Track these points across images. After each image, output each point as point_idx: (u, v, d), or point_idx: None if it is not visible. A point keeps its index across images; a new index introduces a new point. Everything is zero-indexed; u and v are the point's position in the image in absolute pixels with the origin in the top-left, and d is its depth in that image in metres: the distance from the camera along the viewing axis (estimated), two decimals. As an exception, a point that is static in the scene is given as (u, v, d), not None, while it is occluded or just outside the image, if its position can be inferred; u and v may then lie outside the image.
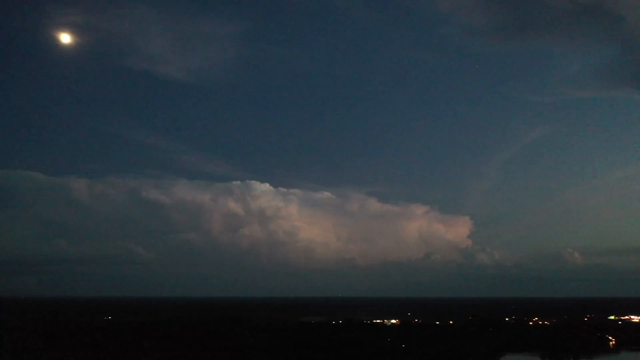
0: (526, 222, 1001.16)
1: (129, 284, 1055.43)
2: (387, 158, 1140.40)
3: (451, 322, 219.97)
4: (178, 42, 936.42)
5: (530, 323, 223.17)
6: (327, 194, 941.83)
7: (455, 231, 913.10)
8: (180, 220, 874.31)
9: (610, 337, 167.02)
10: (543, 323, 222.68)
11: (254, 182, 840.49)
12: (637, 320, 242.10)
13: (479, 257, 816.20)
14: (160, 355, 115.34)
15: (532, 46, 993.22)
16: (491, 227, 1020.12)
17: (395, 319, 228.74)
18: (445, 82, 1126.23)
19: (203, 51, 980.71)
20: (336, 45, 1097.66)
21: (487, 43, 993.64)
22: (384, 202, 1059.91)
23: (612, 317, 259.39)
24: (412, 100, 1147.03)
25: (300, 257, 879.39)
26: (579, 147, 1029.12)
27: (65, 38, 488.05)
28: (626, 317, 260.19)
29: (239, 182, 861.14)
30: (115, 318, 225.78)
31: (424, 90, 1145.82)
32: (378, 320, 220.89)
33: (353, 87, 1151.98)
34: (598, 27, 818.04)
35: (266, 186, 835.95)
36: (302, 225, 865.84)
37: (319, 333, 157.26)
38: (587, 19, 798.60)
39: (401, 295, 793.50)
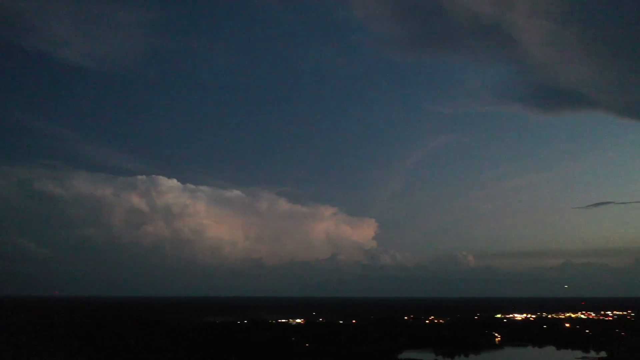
0: (427, 225, 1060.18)
1: (19, 282, 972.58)
2: (298, 159, 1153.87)
3: (354, 321, 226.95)
4: (83, 26, 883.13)
5: (427, 321, 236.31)
6: (237, 193, 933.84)
7: (361, 233, 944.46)
8: (79, 215, 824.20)
9: (496, 334, 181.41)
10: (438, 321, 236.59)
11: (160, 177, 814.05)
12: (520, 318, 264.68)
13: (382, 259, 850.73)
14: (58, 356, 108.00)
15: (438, 60, 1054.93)
16: (395, 230, 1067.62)
17: (300, 319, 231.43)
18: (357, 88, 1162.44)
19: (111, 38, 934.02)
20: (252, 43, 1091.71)
21: (398, 53, 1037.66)
22: (293, 202, 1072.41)
23: (499, 316, 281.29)
24: (325, 103, 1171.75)
25: (207, 256, 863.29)
26: (476, 157, 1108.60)
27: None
28: (511, 315, 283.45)
29: (144, 176, 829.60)
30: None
31: (337, 95, 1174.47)
32: (283, 320, 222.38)
33: (268, 87, 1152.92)
34: (496, 47, 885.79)
35: (173, 182, 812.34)
36: (210, 223, 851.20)
37: (223, 333, 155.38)
38: (486, 39, 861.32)
39: (308, 295, 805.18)
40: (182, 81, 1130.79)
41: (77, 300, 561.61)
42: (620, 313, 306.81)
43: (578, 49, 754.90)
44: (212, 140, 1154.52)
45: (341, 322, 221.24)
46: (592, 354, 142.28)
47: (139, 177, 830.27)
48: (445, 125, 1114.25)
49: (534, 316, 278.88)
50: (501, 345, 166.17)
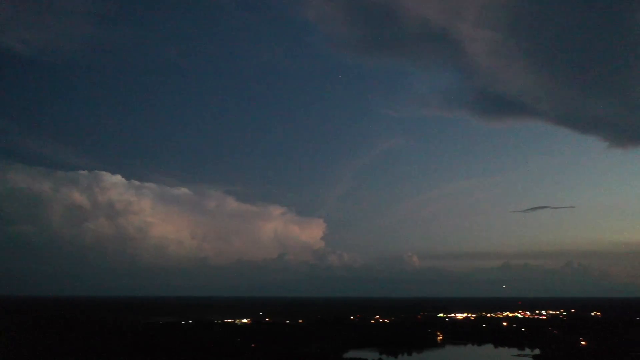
0: (374, 226, 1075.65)
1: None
2: (247, 158, 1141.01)
3: (301, 321, 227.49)
4: (22, 12, 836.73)
5: (372, 321, 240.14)
6: (184, 190, 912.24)
7: (310, 233, 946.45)
8: (13, 210, 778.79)
9: (438, 333, 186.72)
10: (383, 321, 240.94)
11: (104, 172, 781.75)
12: (461, 318, 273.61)
13: (330, 259, 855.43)
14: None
15: (389, 63, 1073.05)
16: (343, 230, 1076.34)
17: (247, 319, 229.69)
18: (308, 88, 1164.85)
19: (53, 26, 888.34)
20: (202, 39, 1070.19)
21: (350, 55, 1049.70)
22: (242, 201, 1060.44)
23: (441, 315, 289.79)
24: (276, 102, 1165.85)
25: (152, 255, 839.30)
26: (423, 160, 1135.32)
27: None
28: (452, 314, 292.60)
29: (86, 171, 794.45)
30: None
31: (288, 94, 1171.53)
32: (229, 320, 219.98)
33: (218, 83, 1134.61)
34: (445, 54, 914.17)
35: (118, 178, 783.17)
36: (156, 221, 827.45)
37: (167, 334, 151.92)
38: (435, 46, 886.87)
39: (255, 295, 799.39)
40: (128, 73, 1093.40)
41: (11, 299, 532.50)
42: (553, 312, 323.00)
43: (520, 60, 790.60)
44: (160, 136, 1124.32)
45: (288, 322, 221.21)
46: (527, 351, 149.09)
47: (81, 172, 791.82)
48: (394, 128, 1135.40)
49: (474, 315, 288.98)
50: (443, 343, 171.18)
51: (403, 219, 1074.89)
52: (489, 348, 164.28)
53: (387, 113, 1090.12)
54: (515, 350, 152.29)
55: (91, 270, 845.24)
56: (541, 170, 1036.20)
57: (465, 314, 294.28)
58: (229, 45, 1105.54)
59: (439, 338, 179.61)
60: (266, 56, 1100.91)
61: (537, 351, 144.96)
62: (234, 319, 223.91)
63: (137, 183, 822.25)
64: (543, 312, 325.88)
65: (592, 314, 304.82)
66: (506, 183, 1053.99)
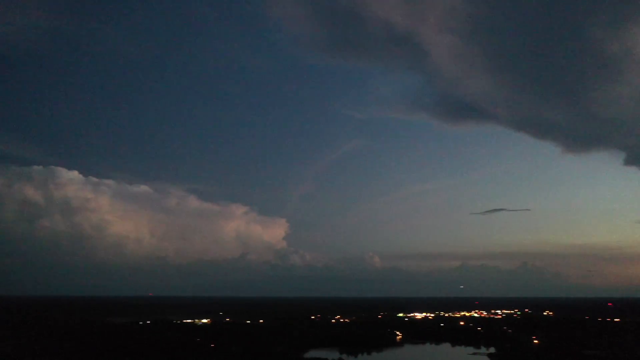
0: (336, 226, 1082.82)
1: None
2: (210, 156, 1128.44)
3: (261, 320, 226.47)
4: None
5: (333, 321, 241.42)
6: (144, 188, 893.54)
7: (272, 232, 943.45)
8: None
9: (397, 332, 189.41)
10: (344, 320, 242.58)
11: (59, 168, 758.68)
12: (420, 317, 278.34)
13: (292, 258, 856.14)
14: None
15: (353, 65, 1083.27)
16: (305, 230, 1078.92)
17: (207, 319, 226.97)
18: (272, 87, 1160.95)
19: (5, 16, 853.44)
20: (162, 33, 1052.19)
21: (315, 56, 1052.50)
22: (204, 200, 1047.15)
23: (401, 315, 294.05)
24: (239, 100, 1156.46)
25: (109, 254, 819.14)
26: (385, 162, 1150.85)
27: None
28: (412, 314, 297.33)
29: (40, 167, 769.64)
30: None
31: (252, 92, 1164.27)
32: (189, 320, 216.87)
33: (182, 79, 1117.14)
34: (408, 57, 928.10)
35: (74, 174, 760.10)
36: (114, 219, 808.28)
37: (123, 335, 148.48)
38: (400, 49, 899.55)
39: (216, 295, 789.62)
40: (85, 66, 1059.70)
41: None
42: (508, 312, 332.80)
43: (481, 66, 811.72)
44: (119, 131, 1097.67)
45: (248, 321, 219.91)
46: (483, 350, 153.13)
47: (35, 167, 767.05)
48: (357, 130, 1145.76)
49: (432, 315, 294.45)
50: (402, 343, 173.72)
51: (365, 220, 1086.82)
52: (446, 347, 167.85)
53: (351, 114, 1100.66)
54: (471, 349, 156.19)
55: (45, 268, 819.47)
56: (499, 174, 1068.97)
57: (424, 314, 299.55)
58: (192, 41, 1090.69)
59: (398, 337, 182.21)
60: (231, 53, 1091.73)
61: (492, 349, 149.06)
62: (194, 319, 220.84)
63: (94, 179, 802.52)
64: (499, 311, 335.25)
65: (545, 313, 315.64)
66: (465, 185, 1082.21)
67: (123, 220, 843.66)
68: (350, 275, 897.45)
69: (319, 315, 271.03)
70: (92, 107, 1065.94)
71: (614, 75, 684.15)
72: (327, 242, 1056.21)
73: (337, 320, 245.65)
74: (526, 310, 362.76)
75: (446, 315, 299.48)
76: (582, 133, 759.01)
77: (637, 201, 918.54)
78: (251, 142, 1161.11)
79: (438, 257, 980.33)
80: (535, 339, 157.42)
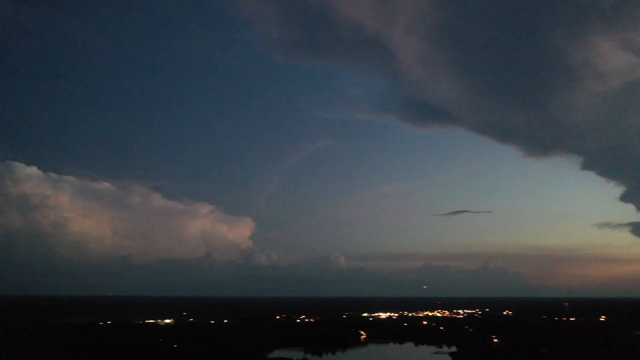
0: (303, 226, 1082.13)
1: None
2: (175, 153, 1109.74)
3: (226, 321, 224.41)
4: None
5: (298, 321, 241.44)
6: (106, 185, 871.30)
7: (238, 232, 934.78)
8: None
9: (361, 332, 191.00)
10: (309, 320, 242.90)
11: (17, 163, 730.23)
12: (384, 317, 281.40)
13: (258, 258, 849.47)
14: None
15: (322, 65, 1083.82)
16: (271, 230, 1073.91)
17: (169, 319, 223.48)
18: (239, 85, 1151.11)
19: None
20: (128, 27, 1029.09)
21: (283, 55, 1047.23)
22: (168, 198, 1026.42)
23: (365, 314, 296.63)
24: (206, 98, 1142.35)
25: (69, 252, 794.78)
26: (352, 162, 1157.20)
27: None
28: (376, 314, 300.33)
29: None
30: None
31: (219, 90, 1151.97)
32: (151, 321, 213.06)
33: (147, 74, 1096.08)
34: (376, 59, 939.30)
35: (33, 169, 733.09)
36: (74, 216, 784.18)
37: (83, 336, 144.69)
38: (368, 51, 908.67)
39: (180, 295, 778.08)
40: (45, 59, 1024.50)
41: None
42: (470, 311, 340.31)
43: (447, 70, 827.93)
44: (80, 126, 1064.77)
45: (213, 322, 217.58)
46: (445, 348, 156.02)
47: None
48: (324, 130, 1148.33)
49: (396, 315, 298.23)
50: (366, 342, 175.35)
51: (331, 220, 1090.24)
52: (409, 346, 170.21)
53: (319, 114, 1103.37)
54: (434, 348, 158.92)
55: (0, 267, 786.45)
56: (462, 176, 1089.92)
57: (388, 314, 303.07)
58: (159, 37, 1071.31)
59: (362, 337, 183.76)
60: (197, 49, 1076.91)
61: (453, 348, 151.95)
62: (156, 320, 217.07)
63: (54, 176, 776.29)
64: (460, 311, 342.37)
65: (505, 313, 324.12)
66: (430, 187, 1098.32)
67: (84, 218, 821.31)
68: (316, 275, 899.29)
69: (284, 315, 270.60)
70: (52, 101, 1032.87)
71: (572, 83, 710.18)
72: (293, 242, 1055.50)
73: (302, 320, 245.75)
74: (487, 309, 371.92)
75: (410, 314, 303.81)
76: (541, 138, 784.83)
77: (594, 205, 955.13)
78: (217, 140, 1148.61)
79: (402, 257, 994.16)
80: (495, 338, 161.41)
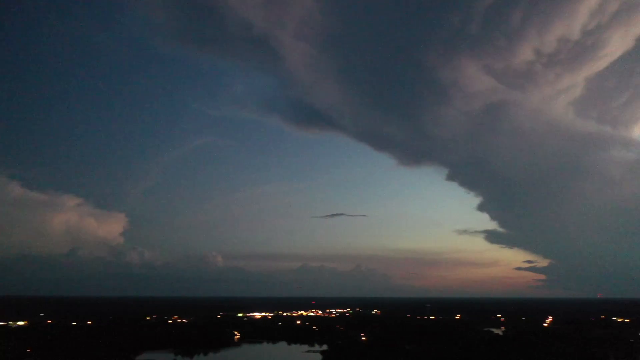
0: (180, 224, 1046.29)
1: None
2: (40, 139, 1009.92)
3: (90, 322, 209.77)
4: None
5: (170, 321, 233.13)
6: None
7: (108, 227, 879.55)
8: None
9: (235, 332, 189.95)
10: (181, 321, 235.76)
11: None
12: (259, 317, 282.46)
13: (129, 256, 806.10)
14: None
15: (208, 60, 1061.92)
16: (146, 226, 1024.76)
17: (23, 321, 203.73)
18: (119, 71, 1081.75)
19: None
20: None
21: (167, 45, 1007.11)
22: (28, 188, 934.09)
23: (240, 314, 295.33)
24: (80, 82, 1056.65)
25: None
26: (234, 160, 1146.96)
27: None
28: (251, 314, 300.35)
29: None
30: None
31: (95, 74, 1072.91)
32: (1, 323, 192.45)
33: (8, 51, 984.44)
34: (264, 59, 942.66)
35: None
36: None
37: None
38: (256, 50, 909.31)
39: (40, 294, 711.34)
40: None
41: None
42: (342, 311, 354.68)
43: (331, 76, 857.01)
44: None
45: (75, 323, 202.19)
46: (316, 347, 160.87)
47: None
48: (207, 126, 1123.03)
49: (271, 315, 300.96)
50: (239, 342, 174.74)
51: (210, 218, 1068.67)
52: (282, 345, 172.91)
53: (202, 109, 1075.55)
54: (306, 347, 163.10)
55: None
56: (341, 180, 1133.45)
57: (263, 313, 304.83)
58: (32, 13, 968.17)
59: (236, 337, 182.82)
60: (71, 28, 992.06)
61: (324, 347, 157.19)
62: (7, 322, 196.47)
63: None
64: (333, 310, 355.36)
65: (374, 312, 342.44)
66: (309, 189, 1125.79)
67: None
68: (191, 275, 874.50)
69: (155, 316, 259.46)
70: None
71: (442, 100, 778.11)
72: (168, 240, 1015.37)
73: (174, 320, 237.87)
74: (357, 309, 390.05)
75: (284, 314, 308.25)
76: (413, 149, 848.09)
77: (455, 213, 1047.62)
78: (90, 127, 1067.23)
79: (280, 258, 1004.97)
80: (363, 336, 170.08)
